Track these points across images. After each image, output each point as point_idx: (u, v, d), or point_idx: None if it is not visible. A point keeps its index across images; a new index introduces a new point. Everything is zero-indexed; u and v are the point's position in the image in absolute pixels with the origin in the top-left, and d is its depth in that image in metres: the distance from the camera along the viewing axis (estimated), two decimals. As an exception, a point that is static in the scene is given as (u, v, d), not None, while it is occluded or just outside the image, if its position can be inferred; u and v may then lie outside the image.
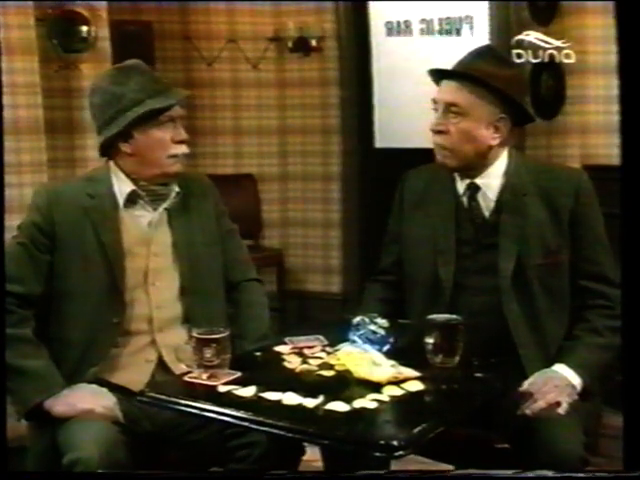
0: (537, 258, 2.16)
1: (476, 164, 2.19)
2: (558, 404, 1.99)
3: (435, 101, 2.18)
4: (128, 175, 2.22)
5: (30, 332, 2.13)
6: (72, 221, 2.19)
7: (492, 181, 2.20)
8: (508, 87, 2.13)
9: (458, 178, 2.23)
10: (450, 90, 2.15)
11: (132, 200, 2.23)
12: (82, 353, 2.14)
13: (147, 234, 2.23)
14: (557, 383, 2.03)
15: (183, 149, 2.22)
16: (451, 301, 2.18)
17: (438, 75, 2.20)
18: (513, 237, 2.16)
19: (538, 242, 2.16)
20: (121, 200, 2.23)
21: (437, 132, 2.16)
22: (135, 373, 2.14)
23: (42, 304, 2.17)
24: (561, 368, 2.08)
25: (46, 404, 2.06)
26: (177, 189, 2.26)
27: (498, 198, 2.20)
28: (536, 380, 2.04)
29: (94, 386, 2.11)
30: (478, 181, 2.20)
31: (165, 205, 2.25)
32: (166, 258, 2.24)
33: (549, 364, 2.10)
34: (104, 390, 2.10)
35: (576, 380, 2.06)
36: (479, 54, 2.18)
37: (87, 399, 2.05)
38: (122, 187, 2.23)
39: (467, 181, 2.21)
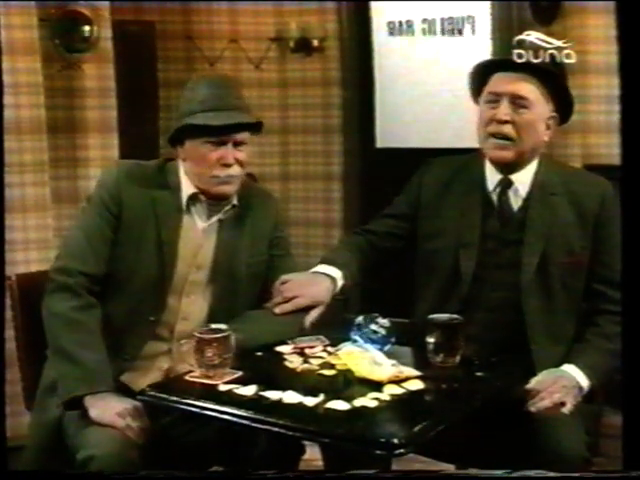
0: (561, 257, 2.18)
1: (526, 159, 2.21)
2: (563, 404, 1.99)
3: (496, 93, 2.18)
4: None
5: (94, 321, 2.06)
6: (139, 208, 2.13)
7: (524, 178, 2.23)
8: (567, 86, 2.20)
9: (490, 172, 2.24)
10: (517, 82, 2.17)
11: (192, 203, 2.17)
12: (114, 343, 2.09)
13: (198, 242, 2.18)
14: (565, 383, 2.05)
15: (229, 172, 2.12)
16: (467, 295, 2.19)
17: (505, 66, 2.21)
18: (540, 234, 2.18)
19: (563, 241, 2.19)
20: (184, 200, 2.17)
21: (503, 122, 2.16)
22: (145, 377, 2.10)
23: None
24: (570, 369, 2.09)
25: (87, 401, 1.98)
26: (235, 202, 2.20)
27: (527, 195, 2.22)
28: (544, 378, 2.05)
29: (126, 404, 1.98)
30: (512, 177, 2.22)
31: (219, 217, 2.19)
32: (205, 273, 2.18)
33: (558, 363, 2.11)
34: (130, 408, 1.97)
35: (584, 382, 2.07)
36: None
37: (111, 414, 1.96)
38: (186, 187, 2.17)
39: (500, 176, 2.22)
